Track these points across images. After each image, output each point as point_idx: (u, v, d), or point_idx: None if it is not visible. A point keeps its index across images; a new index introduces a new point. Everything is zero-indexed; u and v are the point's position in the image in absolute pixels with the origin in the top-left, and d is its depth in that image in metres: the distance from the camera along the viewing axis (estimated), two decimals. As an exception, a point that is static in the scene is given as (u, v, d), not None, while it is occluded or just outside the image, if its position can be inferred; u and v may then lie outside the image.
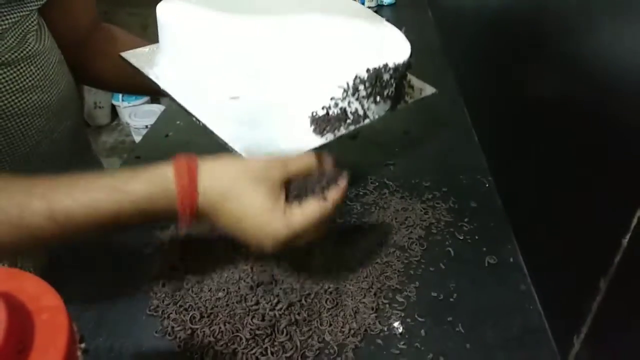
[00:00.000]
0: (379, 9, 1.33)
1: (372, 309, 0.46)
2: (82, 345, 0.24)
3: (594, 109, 0.41)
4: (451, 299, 0.48)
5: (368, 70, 0.47)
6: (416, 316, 0.46)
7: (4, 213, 0.36)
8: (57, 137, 0.53)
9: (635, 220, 0.33)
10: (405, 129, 0.73)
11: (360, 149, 0.70)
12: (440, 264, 0.51)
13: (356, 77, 0.47)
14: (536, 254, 0.50)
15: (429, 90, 0.57)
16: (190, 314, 0.45)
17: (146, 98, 2.26)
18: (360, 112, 0.48)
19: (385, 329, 0.45)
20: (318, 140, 0.47)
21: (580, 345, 0.40)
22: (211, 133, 0.47)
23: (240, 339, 0.43)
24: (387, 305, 0.47)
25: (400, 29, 0.55)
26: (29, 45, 0.46)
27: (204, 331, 0.44)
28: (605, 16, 0.39)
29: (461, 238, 0.54)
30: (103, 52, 0.60)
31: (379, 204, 0.59)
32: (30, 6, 0.47)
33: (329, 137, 0.48)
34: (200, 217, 0.40)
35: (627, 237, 0.34)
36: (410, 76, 0.57)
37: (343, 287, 0.48)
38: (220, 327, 0.44)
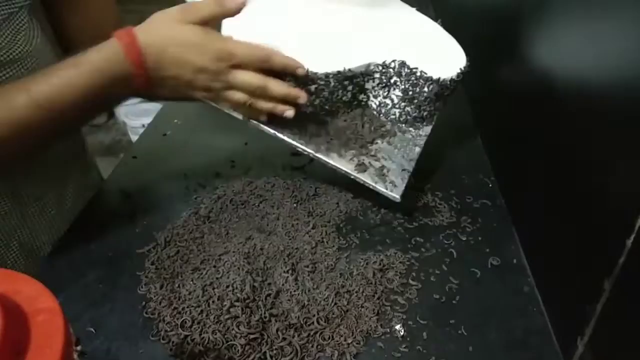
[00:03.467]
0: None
1: (374, 311, 0.45)
2: (79, 348, 0.24)
3: (597, 108, 0.40)
4: (453, 301, 0.47)
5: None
6: (418, 319, 0.45)
7: None
8: None
9: (639, 221, 0.33)
10: (405, 129, 0.73)
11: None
12: (443, 266, 0.51)
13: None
14: (540, 255, 0.50)
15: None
16: (183, 318, 0.44)
17: (143, 97, 2.25)
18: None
19: (387, 332, 0.44)
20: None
21: (584, 348, 0.39)
22: None
23: (235, 345, 0.42)
24: (389, 308, 0.46)
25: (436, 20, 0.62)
26: (18, 47, 0.46)
27: (198, 335, 0.43)
28: (608, 15, 0.39)
29: (464, 239, 0.54)
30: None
31: (379, 205, 0.59)
32: (19, 2, 0.46)
33: None
34: (152, 75, 0.46)
35: (632, 238, 0.34)
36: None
37: (343, 290, 0.47)
38: (217, 330, 0.43)
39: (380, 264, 0.50)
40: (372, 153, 0.56)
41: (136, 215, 0.58)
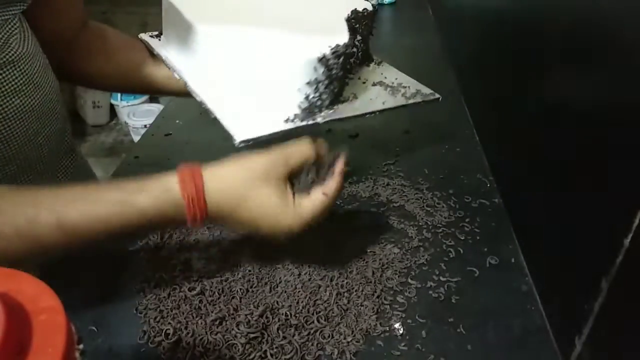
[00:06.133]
0: (379, 9, 1.33)
1: (373, 310, 0.46)
2: (81, 347, 0.24)
3: (595, 108, 0.40)
4: (452, 300, 0.47)
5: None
6: (417, 317, 0.46)
7: (12, 226, 0.37)
8: (41, 141, 0.52)
9: (637, 220, 0.33)
10: (405, 129, 0.73)
11: (360, 148, 0.70)
12: (441, 265, 0.51)
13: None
14: (537, 255, 0.50)
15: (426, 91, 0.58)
16: (183, 317, 0.45)
17: (145, 97, 2.26)
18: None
19: (386, 330, 0.45)
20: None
21: (582, 347, 0.39)
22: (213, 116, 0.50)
23: (236, 344, 0.42)
24: (388, 307, 0.47)
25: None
26: (12, 50, 0.46)
27: (198, 334, 0.43)
28: (607, 16, 0.39)
29: (462, 238, 0.54)
30: (92, 51, 0.59)
31: (379, 204, 0.59)
32: (14, 9, 0.46)
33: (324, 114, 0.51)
34: (210, 222, 0.42)
35: (629, 237, 0.34)
36: (400, 75, 0.60)
37: (343, 289, 0.48)
38: (217, 330, 0.44)
39: (379, 263, 0.50)
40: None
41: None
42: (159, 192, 0.39)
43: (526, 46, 0.57)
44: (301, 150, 0.43)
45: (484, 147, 0.69)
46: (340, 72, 0.50)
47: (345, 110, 0.52)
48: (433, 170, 0.64)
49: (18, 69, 0.47)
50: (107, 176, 0.69)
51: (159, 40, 0.61)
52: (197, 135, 0.74)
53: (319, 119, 0.50)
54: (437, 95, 0.58)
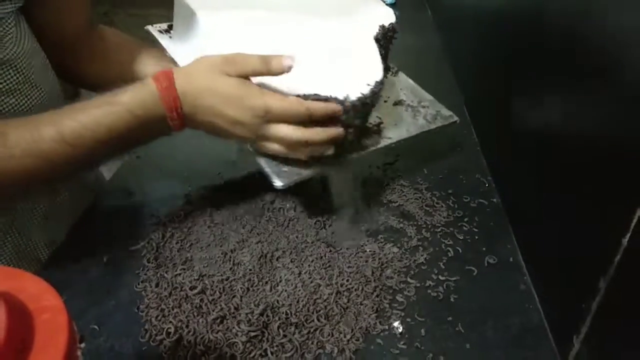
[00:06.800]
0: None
1: (373, 308, 0.46)
2: (82, 345, 0.24)
3: (594, 108, 0.41)
4: (451, 299, 0.48)
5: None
6: (416, 316, 0.46)
7: (19, 145, 0.41)
8: None
9: (635, 220, 0.33)
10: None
11: (360, 148, 0.70)
12: (440, 264, 0.51)
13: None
14: (536, 254, 0.50)
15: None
16: (184, 316, 0.45)
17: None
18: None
19: (386, 329, 0.45)
20: None
21: (580, 345, 0.40)
22: None
23: (237, 342, 0.43)
24: (388, 305, 0.47)
25: (399, 26, 0.62)
26: (6, 49, 0.46)
27: (199, 333, 0.44)
28: (607, 16, 0.39)
29: (461, 238, 0.54)
30: (95, 54, 0.59)
31: (378, 204, 0.59)
32: (8, 7, 0.46)
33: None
34: (187, 120, 0.47)
35: (627, 236, 0.34)
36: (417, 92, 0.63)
37: (342, 288, 0.48)
38: (218, 329, 0.44)
39: (379, 262, 0.51)
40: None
41: (139, 213, 0.59)
42: (138, 88, 0.45)
43: (526, 46, 0.57)
44: (245, 56, 0.47)
45: (482, 147, 0.70)
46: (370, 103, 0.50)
47: (374, 142, 0.55)
48: (432, 170, 0.65)
49: (14, 68, 0.47)
50: (110, 175, 0.69)
51: (169, 36, 0.59)
52: (198, 134, 0.74)
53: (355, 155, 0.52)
54: (456, 118, 0.60)
